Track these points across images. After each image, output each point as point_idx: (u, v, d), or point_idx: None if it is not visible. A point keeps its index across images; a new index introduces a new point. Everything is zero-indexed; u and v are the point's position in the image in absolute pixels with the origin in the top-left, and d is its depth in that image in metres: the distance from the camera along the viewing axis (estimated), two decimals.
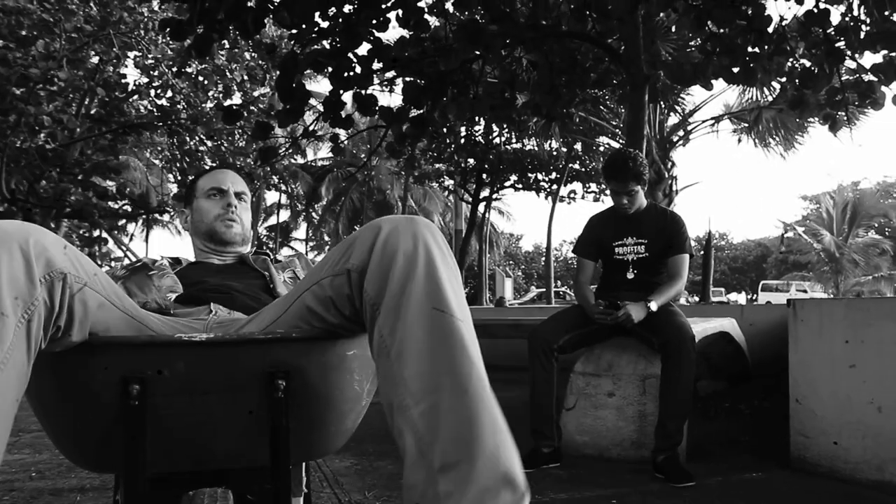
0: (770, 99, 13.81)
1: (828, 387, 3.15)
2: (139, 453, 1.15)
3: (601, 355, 3.69)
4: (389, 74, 8.86)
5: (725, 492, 2.96)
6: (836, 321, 3.15)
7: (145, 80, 13.63)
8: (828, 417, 3.13)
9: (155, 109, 13.91)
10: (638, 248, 3.70)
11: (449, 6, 7.70)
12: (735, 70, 6.83)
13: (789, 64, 7.36)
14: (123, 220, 18.35)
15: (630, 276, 3.70)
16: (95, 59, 12.95)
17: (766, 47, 6.68)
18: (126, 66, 14.34)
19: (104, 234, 20.72)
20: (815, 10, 6.27)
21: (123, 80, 12.99)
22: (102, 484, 3.00)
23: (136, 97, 13.91)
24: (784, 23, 6.78)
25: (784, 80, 7.69)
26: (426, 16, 6.96)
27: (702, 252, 14.84)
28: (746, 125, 15.14)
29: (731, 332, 5.42)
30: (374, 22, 6.53)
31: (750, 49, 6.82)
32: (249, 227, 1.95)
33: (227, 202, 1.89)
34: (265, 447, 1.22)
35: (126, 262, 1.90)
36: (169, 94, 13.56)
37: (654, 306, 3.42)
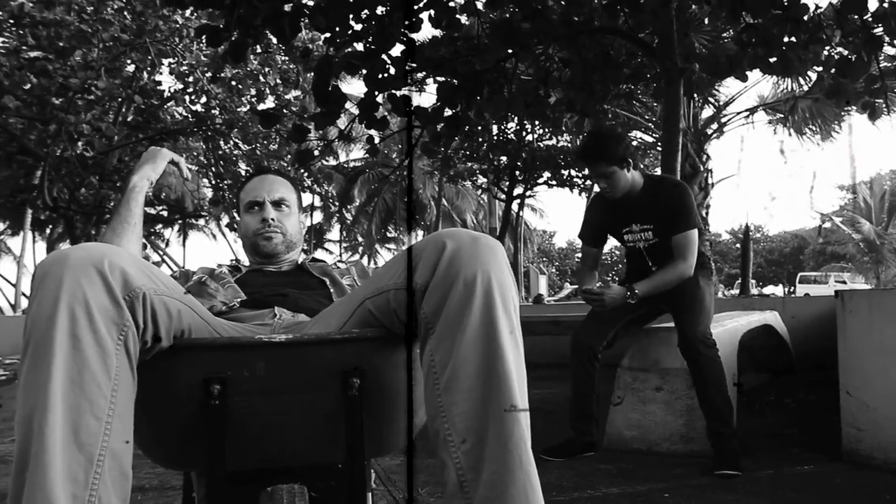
0: (805, 88, 13.62)
1: (880, 378, 3.12)
2: (220, 451, 1.20)
3: (647, 350, 3.69)
4: (421, 74, 8.90)
5: (777, 485, 2.95)
6: (888, 311, 3.12)
7: (180, 86, 13.80)
8: (881, 409, 3.11)
9: (190, 115, 14.09)
10: (646, 235, 3.49)
11: (480, 5, 7.71)
12: (771, 60, 6.77)
13: (825, 52, 7.27)
14: (160, 225, 18.58)
15: (650, 264, 3.51)
16: (132, 68, 13.15)
17: (802, 36, 6.61)
18: (161, 74, 14.56)
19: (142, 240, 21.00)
20: None
21: (159, 87, 13.19)
22: (161, 483, 3.07)
23: (171, 103, 14.11)
24: (819, 11, 6.70)
25: (820, 68, 7.60)
26: (458, 15, 6.97)
27: (738, 246, 14.67)
28: (782, 116, 14.95)
29: (774, 325, 5.38)
30: (407, 23, 6.55)
31: (786, 39, 6.75)
32: (295, 231, 1.93)
33: (263, 216, 1.87)
34: (338, 444, 1.26)
35: (173, 270, 1.93)
36: (204, 99, 13.72)
37: (638, 292, 3.29)
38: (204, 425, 1.19)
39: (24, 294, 20.67)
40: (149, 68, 13.11)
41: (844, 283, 35.75)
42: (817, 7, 6.63)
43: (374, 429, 1.30)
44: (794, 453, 3.49)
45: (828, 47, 7.25)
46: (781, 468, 3.21)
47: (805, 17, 6.49)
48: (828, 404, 3.88)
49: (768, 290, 49.84)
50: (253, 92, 13.38)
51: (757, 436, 3.82)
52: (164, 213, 18.41)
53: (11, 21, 10.77)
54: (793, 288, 41.72)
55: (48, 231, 20.39)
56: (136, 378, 1.12)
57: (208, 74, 13.02)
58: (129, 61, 12.92)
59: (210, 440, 1.19)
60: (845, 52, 7.03)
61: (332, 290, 1.75)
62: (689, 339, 3.24)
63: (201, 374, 1.17)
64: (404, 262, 1.22)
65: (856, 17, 6.44)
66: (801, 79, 13.06)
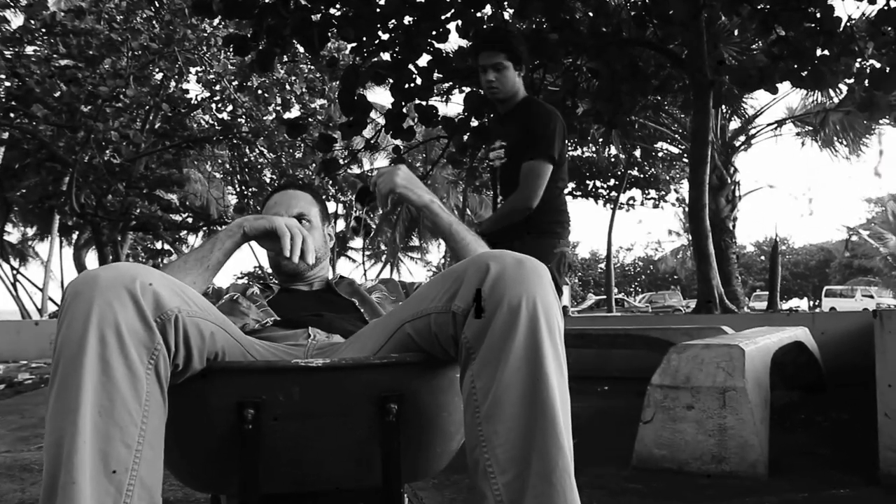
0: (836, 100, 13.49)
1: None
2: (253, 475, 1.17)
3: (678, 368, 3.63)
4: (448, 85, 8.90)
5: None
6: None
7: (207, 94, 13.93)
8: None
9: (216, 123, 14.20)
10: (500, 153, 3.17)
11: (508, 15, 7.70)
12: (803, 73, 6.69)
13: (857, 64, 7.19)
14: (185, 231, 18.73)
15: (499, 190, 3.20)
16: (160, 76, 13.28)
17: (834, 49, 6.54)
18: (189, 82, 14.72)
19: (167, 246, 21.19)
20: (886, 9, 6.10)
21: (186, 96, 13.31)
22: (185, 496, 3.05)
23: (198, 111, 14.23)
24: (851, 22, 6.62)
25: (852, 81, 7.51)
26: (485, 25, 6.97)
27: (763, 258, 14.57)
28: (811, 128, 14.81)
29: (805, 341, 5.29)
30: (434, 33, 6.55)
31: (818, 51, 6.68)
32: (319, 245, 1.83)
33: None
34: (373, 469, 1.22)
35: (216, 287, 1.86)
36: (230, 107, 13.83)
37: (480, 230, 2.97)
38: (237, 449, 1.16)
39: (50, 299, 20.89)
40: (176, 76, 13.25)
41: (871, 296, 35.32)
42: (850, 18, 6.55)
43: (409, 454, 1.26)
44: (828, 475, 3.41)
45: (860, 59, 7.17)
46: (817, 491, 3.13)
47: (838, 30, 6.43)
48: (862, 424, 3.80)
49: (793, 303, 49.34)
50: (279, 100, 13.47)
51: (789, 454, 3.74)
52: (189, 220, 18.53)
53: (43, 30, 10.91)
54: (818, 301, 41.30)
55: (75, 236, 20.59)
56: (167, 402, 1.09)
57: (235, 83, 13.13)
58: (157, 70, 13.06)
59: (243, 464, 1.16)
60: (878, 65, 6.94)
61: (361, 310, 1.71)
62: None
63: (235, 398, 1.15)
64: (446, 285, 1.18)
65: (889, 28, 6.36)
66: (831, 91, 12.95)
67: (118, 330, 1.03)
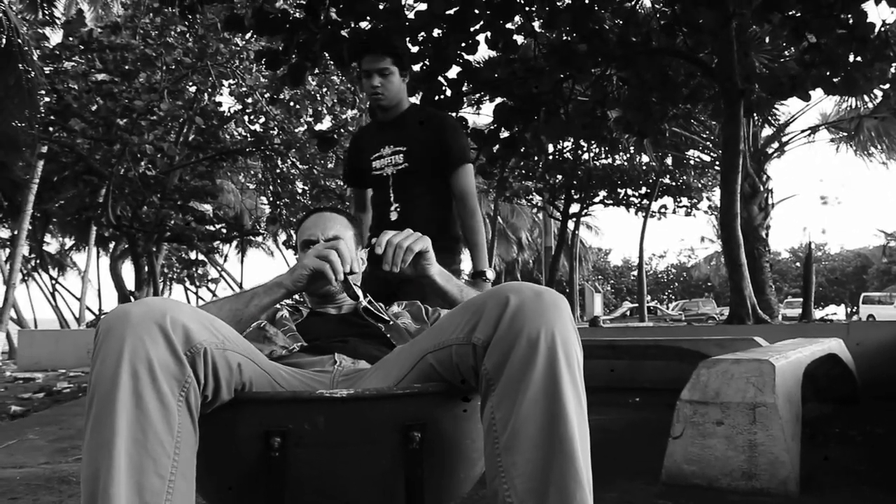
0: (870, 105, 13.31)
1: None
2: (280, 501, 1.20)
3: (708, 383, 3.61)
4: (478, 96, 8.94)
5: None
6: None
7: (240, 107, 14.10)
8: None
9: (249, 135, 14.36)
10: (396, 159, 2.93)
11: (537, 26, 7.71)
12: (835, 80, 6.62)
13: (893, 70, 7.10)
14: (218, 242, 18.97)
15: (391, 198, 2.96)
16: (193, 89, 13.48)
17: (867, 55, 6.46)
18: (221, 95, 14.91)
19: (201, 257, 21.45)
20: None
21: (219, 109, 13.49)
22: None
23: (231, 124, 14.41)
24: (885, 27, 6.53)
25: (887, 86, 7.41)
26: (514, 37, 6.99)
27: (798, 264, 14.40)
28: (845, 134, 14.62)
29: (839, 353, 5.21)
30: (464, 45, 6.58)
31: (851, 58, 6.60)
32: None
33: None
34: (396, 496, 1.25)
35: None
36: (262, 120, 13.99)
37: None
38: (264, 477, 1.19)
39: (88, 308, 21.25)
40: (210, 90, 13.43)
41: None
42: (884, 23, 6.46)
43: (433, 480, 1.28)
44: (863, 492, 3.36)
45: (895, 65, 7.07)
46: None
47: (871, 35, 6.35)
48: None
49: (829, 310, 48.57)
50: (310, 112, 13.59)
51: (821, 471, 3.69)
52: (224, 231, 18.76)
53: (81, 46, 11.14)
54: (856, 308, 40.61)
55: (111, 247, 20.94)
56: (197, 433, 1.13)
57: (267, 96, 13.28)
58: (190, 83, 13.26)
59: (270, 492, 1.19)
60: None
61: (388, 336, 1.73)
62: None
63: (262, 427, 1.18)
64: (466, 317, 1.20)
65: None
66: (866, 96, 12.78)
67: (150, 365, 1.07)
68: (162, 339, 1.09)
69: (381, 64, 2.80)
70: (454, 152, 2.89)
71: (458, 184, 2.92)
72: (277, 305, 1.76)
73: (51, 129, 12.53)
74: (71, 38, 11.40)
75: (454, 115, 6.82)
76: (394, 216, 2.95)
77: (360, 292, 1.67)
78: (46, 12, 11.86)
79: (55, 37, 13.62)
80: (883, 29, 6.40)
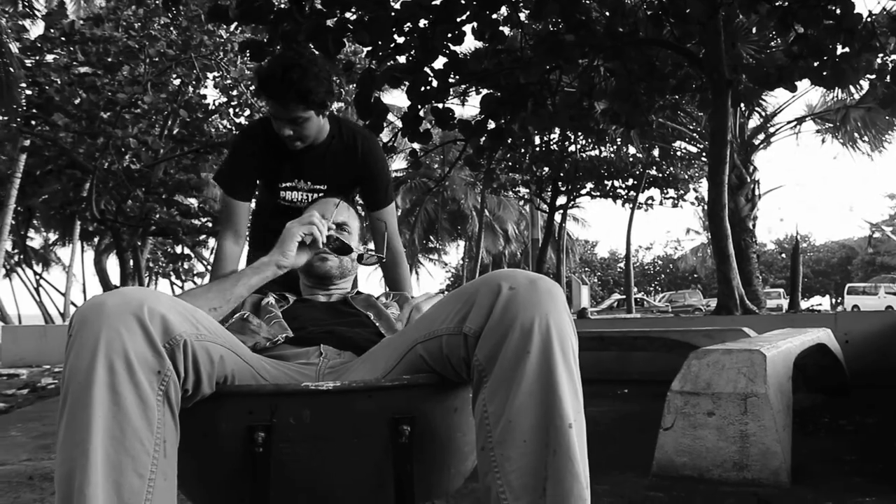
0: (856, 97, 13.35)
1: None
2: (264, 498, 1.16)
3: (699, 374, 3.59)
4: (464, 87, 8.89)
5: None
6: None
7: (224, 99, 13.99)
8: None
9: (234, 128, 14.26)
10: (312, 196, 2.57)
11: (523, 17, 7.67)
12: (823, 71, 6.61)
13: (879, 61, 7.10)
14: (204, 236, 18.83)
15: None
16: (177, 82, 13.37)
17: (854, 46, 6.45)
18: (206, 87, 14.79)
19: (187, 251, 21.29)
20: None
21: (204, 101, 13.38)
22: None
23: (215, 117, 14.30)
24: (871, 18, 6.52)
25: (874, 76, 7.42)
26: (501, 27, 6.94)
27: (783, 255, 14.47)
28: (831, 125, 14.67)
29: (828, 343, 5.22)
30: (450, 35, 6.53)
31: (838, 49, 6.59)
32: (348, 259, 1.83)
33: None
34: (386, 490, 1.21)
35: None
36: (247, 112, 13.89)
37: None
38: (248, 473, 1.15)
39: (73, 303, 21.08)
40: (194, 82, 13.32)
41: (895, 293, 34.88)
42: (870, 14, 6.45)
43: (422, 475, 1.25)
44: (854, 482, 3.35)
45: (881, 55, 7.07)
46: (842, 499, 3.08)
47: (858, 27, 6.34)
48: (889, 429, 3.74)
49: (814, 301, 48.92)
50: None
51: (813, 461, 3.68)
52: (209, 224, 18.63)
53: (63, 38, 11.01)
54: (840, 299, 40.90)
55: (96, 241, 20.81)
56: (178, 429, 1.08)
57: (252, 87, 13.18)
58: (174, 76, 13.15)
59: (255, 488, 1.15)
60: None
61: (377, 324, 1.68)
62: None
63: (245, 422, 1.14)
64: (457, 306, 1.15)
65: None
66: (852, 87, 12.82)
67: (127, 358, 1.01)
68: (139, 331, 1.03)
69: (293, 114, 2.32)
70: (379, 195, 2.63)
71: (389, 222, 2.63)
72: (263, 293, 1.72)
73: (33, 122, 12.38)
74: (52, 31, 11.26)
75: (440, 105, 6.78)
76: None
77: (353, 244, 1.73)
78: (26, 3, 11.70)
79: (36, 29, 13.46)
80: (869, 19, 6.40)
